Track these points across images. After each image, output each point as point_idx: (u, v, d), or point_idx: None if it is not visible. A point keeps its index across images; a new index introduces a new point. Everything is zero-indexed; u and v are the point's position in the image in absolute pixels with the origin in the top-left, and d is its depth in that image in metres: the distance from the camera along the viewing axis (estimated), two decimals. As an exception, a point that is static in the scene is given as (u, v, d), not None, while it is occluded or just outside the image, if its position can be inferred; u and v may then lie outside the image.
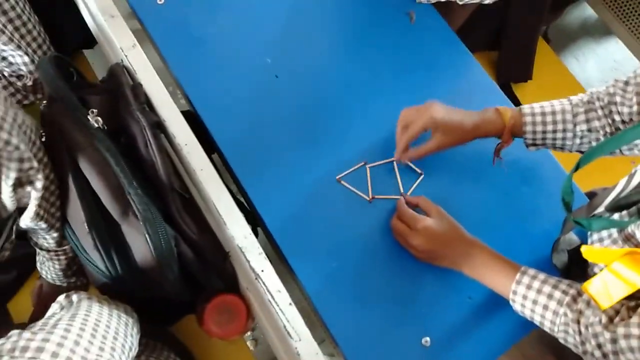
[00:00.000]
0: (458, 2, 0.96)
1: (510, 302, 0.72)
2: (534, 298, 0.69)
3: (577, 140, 0.79)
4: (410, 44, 0.98)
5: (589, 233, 0.73)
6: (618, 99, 0.75)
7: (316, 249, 0.80)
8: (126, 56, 0.82)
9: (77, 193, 0.74)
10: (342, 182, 0.85)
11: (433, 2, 1.01)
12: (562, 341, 0.69)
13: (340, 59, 0.95)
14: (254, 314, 0.78)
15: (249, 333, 1.35)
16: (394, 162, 0.87)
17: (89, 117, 0.75)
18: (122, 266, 0.74)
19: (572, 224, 0.71)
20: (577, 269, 0.80)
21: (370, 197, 0.84)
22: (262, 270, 0.71)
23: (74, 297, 0.67)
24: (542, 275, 0.70)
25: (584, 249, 0.65)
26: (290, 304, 0.69)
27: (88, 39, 1.11)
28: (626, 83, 0.75)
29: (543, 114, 0.79)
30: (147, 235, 0.69)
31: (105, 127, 0.76)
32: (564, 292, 0.67)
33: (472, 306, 0.79)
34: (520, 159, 0.89)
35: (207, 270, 0.76)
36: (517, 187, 0.88)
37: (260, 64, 0.92)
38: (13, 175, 0.67)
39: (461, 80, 0.97)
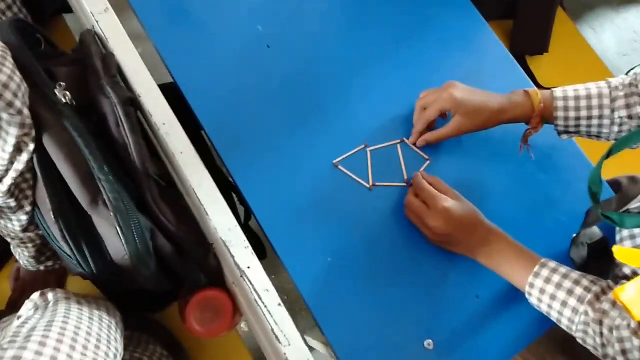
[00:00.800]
0: None
1: (527, 296, 0.66)
2: (552, 293, 0.63)
3: (615, 128, 0.70)
4: (418, 10, 0.88)
5: (617, 229, 0.65)
6: None
7: (310, 243, 0.73)
8: (97, 22, 0.72)
9: (42, 177, 0.66)
10: (340, 167, 0.77)
11: None
12: (580, 341, 0.63)
13: (339, 27, 0.85)
14: (241, 311, 0.71)
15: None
16: (398, 146, 0.79)
17: (56, 91, 0.66)
18: (94, 260, 0.67)
19: (598, 217, 0.64)
20: (595, 265, 0.73)
21: (371, 184, 0.76)
22: (248, 267, 0.63)
23: (50, 297, 0.61)
24: (563, 269, 0.64)
25: (615, 249, 0.58)
26: (279, 304, 0.62)
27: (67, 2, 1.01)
28: None
29: (577, 97, 0.70)
30: (118, 229, 0.61)
31: (74, 103, 0.67)
32: (586, 289, 0.61)
33: (480, 306, 0.73)
34: (537, 143, 0.80)
35: (188, 264, 0.68)
36: (533, 175, 0.80)
37: (250, 31, 0.83)
38: (12, 141, 0.61)
39: (474, 52, 0.87)
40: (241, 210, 0.90)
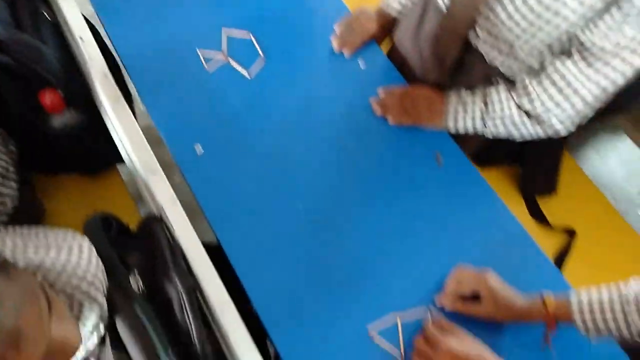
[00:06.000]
0: None
1: None
2: None
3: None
4: (440, 188, 0.99)
5: None
6: None
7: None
8: (165, 212, 0.85)
9: (115, 356, 0.76)
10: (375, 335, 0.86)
11: None
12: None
13: (373, 206, 0.97)
14: None
15: None
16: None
17: (130, 278, 0.78)
18: None
19: None
20: None
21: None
22: None
23: None
24: None
25: None
26: None
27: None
28: None
29: (598, 302, 0.76)
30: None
31: (144, 290, 0.79)
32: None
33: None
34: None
35: None
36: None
37: (292, 209, 0.95)
38: (89, 326, 0.71)
39: (494, 230, 0.97)
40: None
